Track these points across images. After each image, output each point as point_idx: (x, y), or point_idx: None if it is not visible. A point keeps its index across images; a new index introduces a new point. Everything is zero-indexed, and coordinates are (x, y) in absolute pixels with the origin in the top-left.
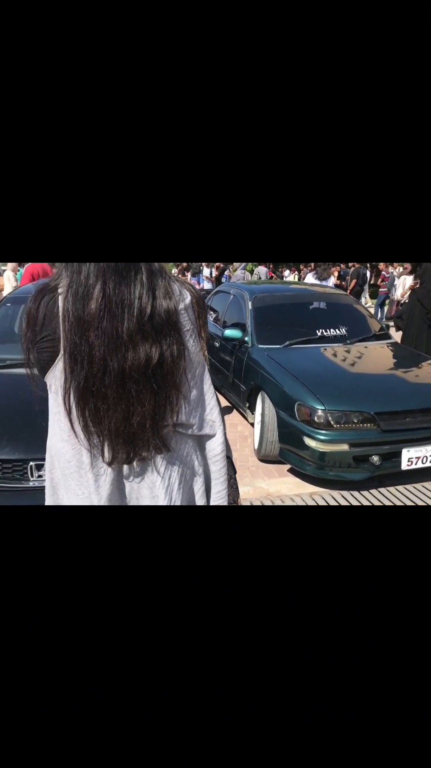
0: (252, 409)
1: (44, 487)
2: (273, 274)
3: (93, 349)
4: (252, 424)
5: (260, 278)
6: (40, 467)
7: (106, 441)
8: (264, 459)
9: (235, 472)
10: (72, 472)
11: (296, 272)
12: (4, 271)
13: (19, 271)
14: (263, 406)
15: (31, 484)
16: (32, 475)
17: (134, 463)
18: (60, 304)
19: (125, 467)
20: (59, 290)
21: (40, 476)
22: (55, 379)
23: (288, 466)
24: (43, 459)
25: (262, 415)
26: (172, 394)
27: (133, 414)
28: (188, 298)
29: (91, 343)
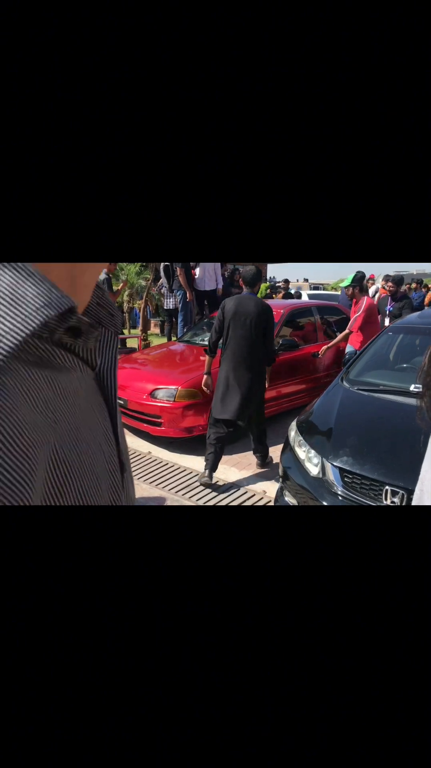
0: None
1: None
2: None
3: None
4: None
5: None
6: (395, 494)
7: None
8: None
9: None
10: None
11: None
12: None
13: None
14: None
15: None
16: (386, 499)
17: None
18: None
19: None
20: None
21: (393, 502)
22: None
23: None
24: (399, 487)
25: None
26: None
27: None
28: None
29: None
